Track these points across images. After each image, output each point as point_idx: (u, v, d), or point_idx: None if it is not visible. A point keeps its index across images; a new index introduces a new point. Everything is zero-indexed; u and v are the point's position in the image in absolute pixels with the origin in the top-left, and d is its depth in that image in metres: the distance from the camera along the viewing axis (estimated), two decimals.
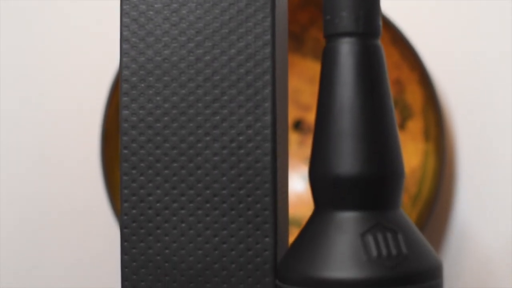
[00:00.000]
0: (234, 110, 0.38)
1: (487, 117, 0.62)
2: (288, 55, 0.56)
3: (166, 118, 0.39)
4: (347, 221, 0.35)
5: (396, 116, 0.63)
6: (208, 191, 0.38)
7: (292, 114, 0.66)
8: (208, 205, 0.38)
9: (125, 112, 0.39)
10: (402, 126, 0.63)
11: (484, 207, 0.61)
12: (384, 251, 0.34)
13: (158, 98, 0.39)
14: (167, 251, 0.39)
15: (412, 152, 0.62)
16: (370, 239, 0.34)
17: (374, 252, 0.34)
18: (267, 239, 0.38)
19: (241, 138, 0.38)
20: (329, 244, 0.35)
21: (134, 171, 0.39)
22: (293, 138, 0.66)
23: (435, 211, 0.63)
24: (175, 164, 0.39)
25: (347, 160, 0.35)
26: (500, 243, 0.60)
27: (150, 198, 0.39)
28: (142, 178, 0.39)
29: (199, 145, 0.39)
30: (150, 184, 0.39)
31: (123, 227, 0.39)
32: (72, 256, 0.68)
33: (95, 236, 0.68)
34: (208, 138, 0.39)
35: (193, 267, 0.39)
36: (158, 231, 0.39)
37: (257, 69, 0.38)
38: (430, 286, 0.35)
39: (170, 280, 0.39)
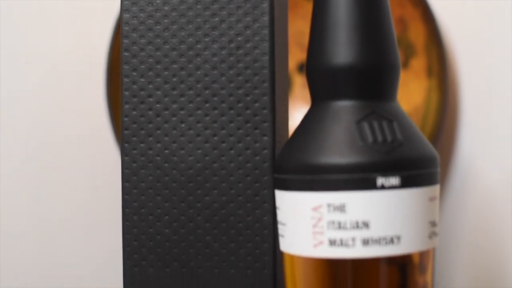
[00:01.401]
0: (232, 11, 0.39)
1: (491, 52, 0.62)
2: None
3: (166, 21, 0.39)
4: (343, 110, 0.35)
5: (400, 55, 0.63)
6: (207, 91, 0.39)
7: (296, 57, 0.66)
8: (207, 105, 0.39)
9: (126, 15, 0.40)
10: (406, 64, 0.63)
11: (487, 143, 0.62)
12: (379, 138, 0.34)
13: (157, 0, 0.39)
14: (166, 151, 0.39)
15: (415, 90, 0.63)
16: (365, 126, 0.35)
17: (369, 138, 0.34)
18: (265, 137, 0.39)
19: (239, 38, 0.39)
20: (324, 132, 0.35)
21: (134, 73, 0.39)
22: (297, 80, 0.67)
23: (438, 148, 0.64)
24: (174, 65, 0.39)
25: (342, 50, 0.35)
26: (504, 178, 0.60)
27: (150, 99, 0.39)
28: (142, 80, 0.39)
29: (198, 46, 0.39)
30: (150, 86, 0.39)
31: (123, 128, 0.40)
32: (76, 185, 0.69)
33: (99, 169, 0.69)
34: (207, 39, 0.39)
35: (193, 167, 0.39)
36: (158, 131, 0.39)
37: None
38: (426, 174, 0.35)
39: (169, 180, 0.39)
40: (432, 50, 0.61)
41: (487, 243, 0.61)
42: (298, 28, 0.66)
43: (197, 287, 0.39)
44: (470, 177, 0.62)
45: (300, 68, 0.67)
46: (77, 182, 0.69)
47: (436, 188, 0.36)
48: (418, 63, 0.63)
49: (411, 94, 0.63)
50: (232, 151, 0.39)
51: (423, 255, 0.36)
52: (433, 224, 0.36)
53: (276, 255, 0.39)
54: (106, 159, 0.69)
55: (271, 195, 0.39)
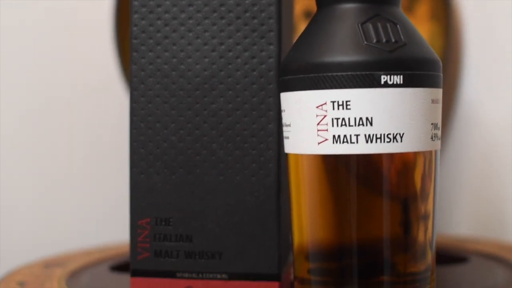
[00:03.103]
0: None
1: None
2: None
3: None
4: (348, 13, 0.36)
5: (403, 0, 0.64)
6: (215, 1, 0.40)
7: (303, 3, 0.67)
8: (215, 14, 0.40)
9: None
10: (410, 9, 0.64)
11: (490, 87, 0.62)
12: (383, 38, 0.35)
13: None
14: (174, 59, 0.40)
15: None
16: (370, 27, 0.35)
17: (373, 38, 0.35)
18: (271, 46, 0.39)
19: None
20: (329, 33, 0.36)
21: None
22: (303, 28, 0.67)
23: (442, 91, 0.64)
24: None
25: None
26: (505, 120, 0.61)
27: (159, 9, 0.40)
28: None
29: None
30: None
31: (132, 38, 0.40)
32: (82, 129, 0.70)
33: (105, 115, 0.69)
34: None
35: (200, 75, 0.40)
36: (166, 40, 0.40)
37: None
38: (428, 75, 0.36)
39: (177, 88, 0.40)
40: None
41: (488, 184, 0.62)
42: None
43: (203, 194, 0.40)
44: (472, 120, 0.63)
45: (307, 15, 0.67)
46: (83, 126, 0.70)
47: (438, 92, 0.36)
48: (422, 8, 0.63)
49: None
50: (238, 60, 0.39)
51: (424, 179, 0.36)
52: (435, 126, 0.36)
53: (280, 162, 0.40)
54: (113, 105, 0.70)
55: (276, 103, 0.39)
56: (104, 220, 0.70)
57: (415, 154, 0.36)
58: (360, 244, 0.36)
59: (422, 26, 0.63)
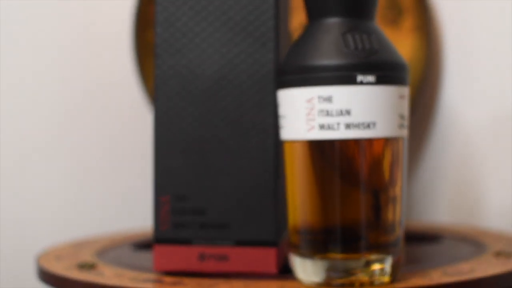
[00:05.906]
0: None
1: (472, 8, 0.70)
2: None
3: None
4: (332, 25, 0.45)
5: (388, 14, 0.72)
6: (223, 16, 0.48)
7: (299, 17, 0.76)
8: (224, 28, 0.48)
9: None
10: (396, 22, 0.72)
11: (467, 93, 0.70)
12: (359, 45, 0.44)
13: None
14: (191, 65, 0.48)
15: (401, 46, 0.72)
16: (349, 36, 0.44)
17: (351, 46, 0.44)
18: (270, 54, 0.48)
19: None
20: (316, 41, 0.44)
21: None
22: None
23: (424, 97, 0.72)
24: None
25: None
26: (482, 125, 0.69)
27: (178, 23, 0.49)
28: (172, 8, 0.49)
29: None
30: (180, 12, 0.49)
31: (156, 47, 0.49)
32: (100, 123, 0.77)
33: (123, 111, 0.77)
34: None
35: (211, 77, 0.48)
36: (184, 49, 0.49)
37: None
38: (396, 76, 0.44)
39: (192, 88, 0.48)
40: (419, 7, 0.70)
41: (466, 179, 0.70)
42: None
43: (213, 175, 0.48)
44: (451, 123, 0.71)
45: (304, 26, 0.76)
46: (106, 122, 0.78)
47: (405, 89, 0.45)
48: (407, 21, 0.72)
49: (399, 50, 0.72)
50: (243, 65, 0.48)
51: (393, 165, 0.44)
52: (402, 117, 0.45)
53: (278, 150, 0.48)
54: (131, 107, 0.78)
55: (274, 100, 0.48)
56: (127, 208, 0.78)
57: (386, 140, 0.44)
58: (341, 224, 0.44)
59: (407, 37, 0.72)
